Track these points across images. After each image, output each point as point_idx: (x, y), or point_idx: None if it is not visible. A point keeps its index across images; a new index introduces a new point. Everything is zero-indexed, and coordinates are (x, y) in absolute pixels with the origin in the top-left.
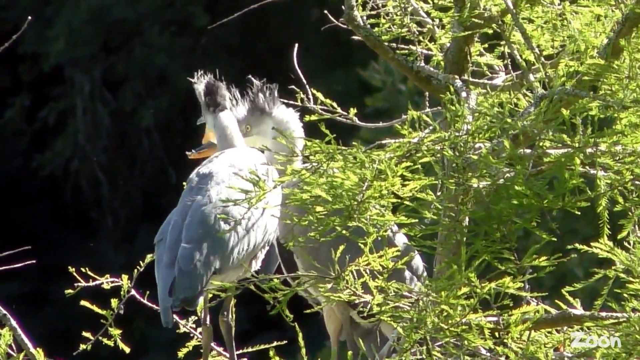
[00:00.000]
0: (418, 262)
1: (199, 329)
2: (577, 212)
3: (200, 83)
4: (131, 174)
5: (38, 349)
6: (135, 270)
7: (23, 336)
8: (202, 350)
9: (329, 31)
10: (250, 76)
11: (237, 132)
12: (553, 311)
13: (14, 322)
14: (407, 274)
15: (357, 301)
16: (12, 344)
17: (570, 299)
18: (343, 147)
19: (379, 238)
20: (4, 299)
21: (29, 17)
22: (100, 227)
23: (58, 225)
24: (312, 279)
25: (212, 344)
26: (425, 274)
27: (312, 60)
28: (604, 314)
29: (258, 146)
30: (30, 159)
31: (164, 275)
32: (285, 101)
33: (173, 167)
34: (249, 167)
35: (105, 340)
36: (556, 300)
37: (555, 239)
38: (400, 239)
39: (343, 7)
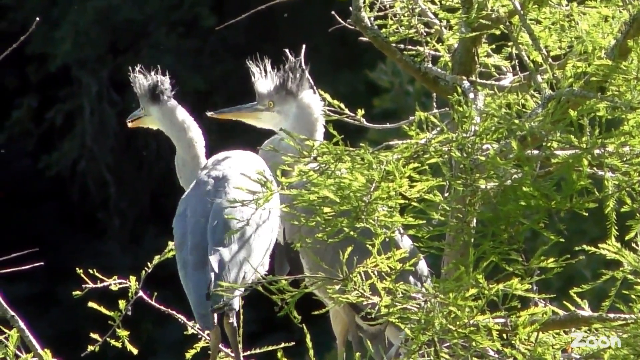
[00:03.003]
0: (423, 266)
1: (207, 331)
2: (584, 214)
3: (141, 77)
4: (138, 175)
5: (46, 349)
6: (143, 272)
7: (31, 337)
8: (210, 352)
9: (337, 32)
10: (286, 50)
11: (191, 120)
12: (561, 312)
13: (21, 323)
14: (411, 279)
15: (364, 302)
16: (20, 345)
17: (578, 300)
18: (351, 149)
19: (387, 239)
20: (12, 300)
21: (37, 18)
22: (108, 228)
23: (65, 226)
24: (319, 281)
25: (220, 345)
26: (429, 278)
27: (320, 61)
28: (612, 315)
29: (274, 124)
30: (37, 159)
31: (195, 280)
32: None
33: None
34: (258, 169)
35: (112, 342)
36: (564, 302)
37: (563, 240)
38: (406, 242)
39: (351, 8)
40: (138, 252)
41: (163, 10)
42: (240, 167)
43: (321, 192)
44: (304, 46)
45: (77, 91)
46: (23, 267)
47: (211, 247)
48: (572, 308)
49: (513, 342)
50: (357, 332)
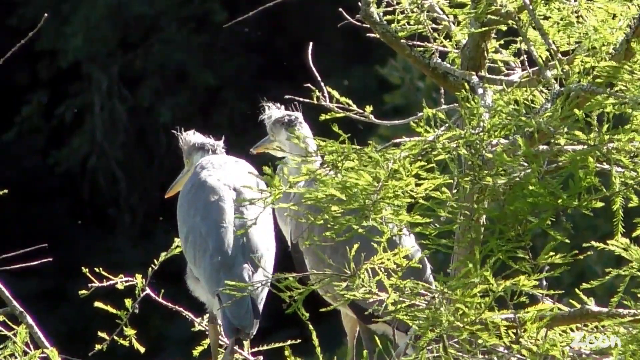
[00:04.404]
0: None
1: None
2: (590, 214)
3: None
4: (149, 171)
5: (52, 348)
6: (150, 269)
7: (40, 333)
8: (220, 349)
9: (348, 28)
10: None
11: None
12: (566, 309)
13: (30, 319)
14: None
15: (370, 300)
16: (29, 342)
17: (585, 298)
18: (357, 147)
19: (394, 237)
20: (23, 296)
21: (45, 14)
22: (118, 224)
23: (75, 223)
24: (325, 278)
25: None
26: (431, 277)
27: (331, 57)
28: (622, 310)
29: (281, 152)
30: (47, 156)
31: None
32: (302, 100)
33: None
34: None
35: (120, 341)
36: (571, 300)
37: (573, 236)
38: (409, 243)
39: (360, 3)
40: (149, 247)
41: (174, 6)
42: (241, 174)
43: (328, 190)
44: (311, 44)
45: (87, 87)
46: (32, 263)
47: (242, 261)
48: (578, 305)
49: (521, 338)
50: (367, 328)
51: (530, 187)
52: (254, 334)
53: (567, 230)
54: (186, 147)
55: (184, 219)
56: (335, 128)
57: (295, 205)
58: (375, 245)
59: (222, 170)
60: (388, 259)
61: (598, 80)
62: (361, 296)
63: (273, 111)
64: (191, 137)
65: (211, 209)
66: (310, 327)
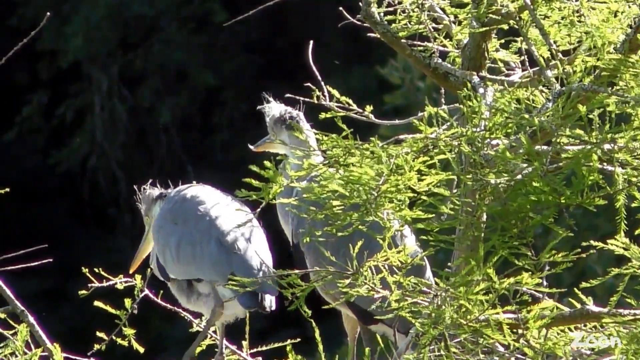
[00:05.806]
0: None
1: (213, 328)
2: (593, 210)
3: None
4: (149, 171)
5: (55, 344)
6: (149, 270)
7: (41, 332)
8: (216, 350)
9: (349, 28)
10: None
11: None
12: (567, 309)
13: (31, 318)
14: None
15: (373, 297)
16: (30, 341)
17: (584, 298)
18: (360, 142)
19: (396, 233)
20: (22, 296)
21: (47, 14)
22: (118, 224)
23: (76, 223)
24: (328, 275)
25: (225, 342)
26: (431, 278)
27: (331, 57)
28: (622, 310)
29: (283, 150)
30: (47, 156)
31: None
32: (302, 99)
33: (191, 164)
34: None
35: (119, 341)
36: (571, 300)
37: (574, 235)
38: (410, 243)
39: (361, 3)
40: None
41: (174, 6)
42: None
43: (330, 185)
44: (311, 42)
45: (87, 87)
46: (32, 264)
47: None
48: (579, 305)
49: (525, 336)
50: (367, 329)
51: (534, 184)
52: (272, 308)
53: (570, 228)
54: (145, 202)
55: (169, 232)
56: (339, 122)
57: (297, 202)
58: (380, 241)
59: (198, 188)
60: (392, 256)
61: (603, 73)
62: (364, 293)
63: (273, 109)
64: (150, 190)
65: (205, 211)
66: (313, 323)
